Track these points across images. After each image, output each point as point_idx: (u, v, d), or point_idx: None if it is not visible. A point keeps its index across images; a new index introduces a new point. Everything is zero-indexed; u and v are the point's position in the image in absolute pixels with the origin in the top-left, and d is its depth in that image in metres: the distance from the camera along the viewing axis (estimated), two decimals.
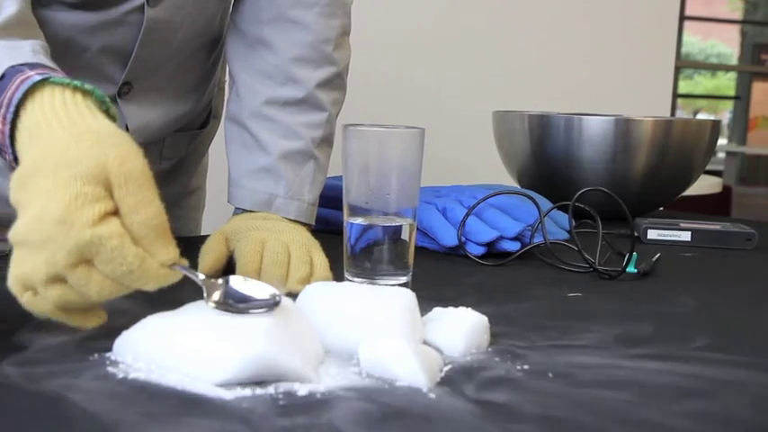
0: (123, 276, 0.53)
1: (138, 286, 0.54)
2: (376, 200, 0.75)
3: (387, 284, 0.74)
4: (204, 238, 0.83)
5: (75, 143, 0.56)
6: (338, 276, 0.77)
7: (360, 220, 0.76)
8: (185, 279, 0.56)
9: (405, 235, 0.76)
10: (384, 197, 0.75)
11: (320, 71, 0.92)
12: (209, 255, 0.80)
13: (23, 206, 0.55)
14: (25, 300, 0.55)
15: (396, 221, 0.75)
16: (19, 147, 0.59)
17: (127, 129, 0.92)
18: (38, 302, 0.55)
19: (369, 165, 0.75)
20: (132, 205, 0.54)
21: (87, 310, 0.57)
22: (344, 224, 0.77)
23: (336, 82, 0.94)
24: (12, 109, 0.59)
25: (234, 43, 0.95)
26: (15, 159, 0.60)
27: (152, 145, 0.98)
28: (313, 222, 0.91)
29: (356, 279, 0.76)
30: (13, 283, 0.55)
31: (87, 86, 0.61)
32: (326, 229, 0.98)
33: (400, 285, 0.73)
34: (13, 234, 0.55)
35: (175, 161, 1.04)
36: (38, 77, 0.60)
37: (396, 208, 0.75)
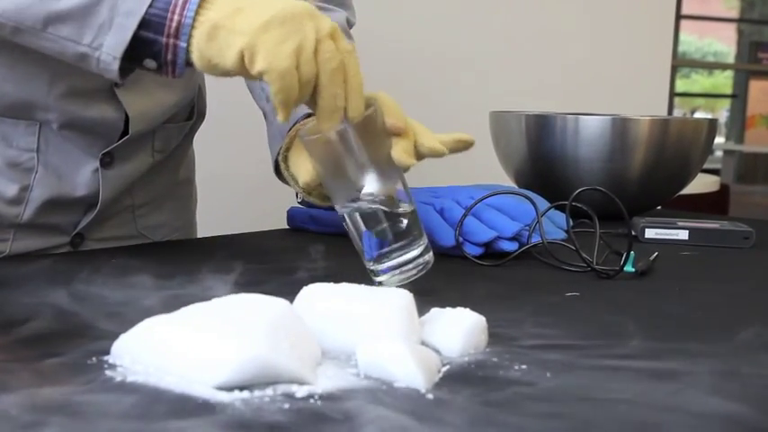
0: (350, 59, 0.71)
1: (349, 68, 0.71)
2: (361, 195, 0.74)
3: (412, 257, 0.74)
4: (201, 240, 0.83)
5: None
6: (339, 280, 0.76)
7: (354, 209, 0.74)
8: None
9: (403, 207, 0.75)
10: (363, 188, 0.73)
11: (345, 12, 1.05)
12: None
13: (263, 4, 0.69)
14: (292, 74, 0.68)
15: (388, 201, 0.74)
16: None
17: (126, 116, 0.93)
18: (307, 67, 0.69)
19: (333, 168, 0.74)
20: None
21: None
22: (352, 232, 0.75)
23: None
24: None
25: None
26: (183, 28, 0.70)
27: (144, 138, 0.99)
28: None
29: (382, 275, 0.75)
30: (290, 55, 0.67)
31: None
32: (327, 231, 0.98)
33: (420, 252, 0.74)
34: (278, 11, 0.68)
35: (166, 154, 1.05)
36: None
37: (380, 193, 0.74)
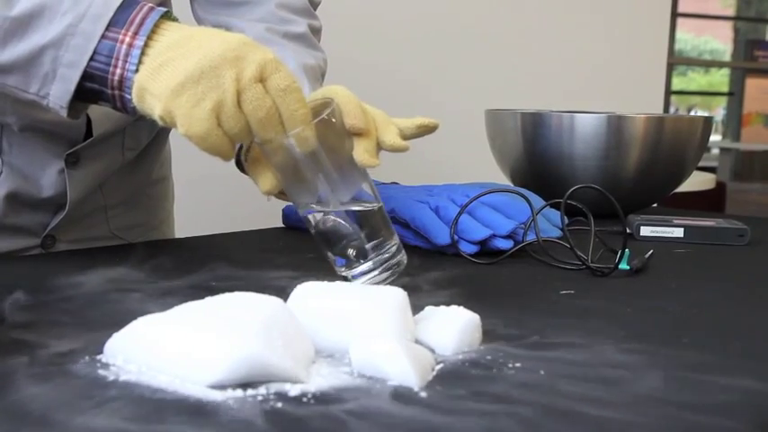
0: (285, 97, 0.65)
1: (285, 108, 0.66)
2: (321, 198, 0.72)
3: (380, 258, 0.72)
4: (198, 239, 0.83)
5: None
6: (334, 278, 0.76)
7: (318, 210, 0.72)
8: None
9: (370, 207, 0.72)
10: (325, 192, 0.71)
11: (307, 20, 0.97)
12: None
13: (184, 56, 0.65)
14: (215, 134, 0.65)
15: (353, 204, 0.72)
16: (169, 35, 0.68)
17: (89, 120, 0.92)
18: (231, 122, 0.65)
19: (293, 173, 0.71)
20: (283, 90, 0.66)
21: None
22: (317, 238, 0.74)
23: (318, 38, 0.98)
24: (149, 24, 0.68)
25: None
26: (136, 66, 0.67)
27: (114, 137, 0.98)
28: None
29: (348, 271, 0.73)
30: (207, 116, 0.64)
31: None
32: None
33: (392, 254, 0.72)
34: (194, 66, 0.64)
35: (138, 152, 1.04)
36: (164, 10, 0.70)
37: (344, 195, 0.72)
